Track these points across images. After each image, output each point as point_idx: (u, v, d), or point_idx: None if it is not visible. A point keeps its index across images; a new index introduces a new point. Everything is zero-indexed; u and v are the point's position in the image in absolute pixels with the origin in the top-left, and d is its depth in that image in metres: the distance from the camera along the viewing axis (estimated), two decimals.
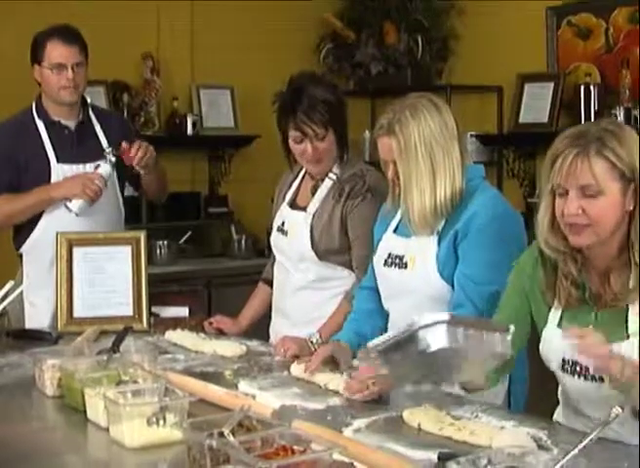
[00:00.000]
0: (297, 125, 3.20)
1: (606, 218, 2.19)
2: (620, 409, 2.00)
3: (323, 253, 3.31)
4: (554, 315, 2.36)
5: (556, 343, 2.31)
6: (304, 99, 3.18)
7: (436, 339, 2.07)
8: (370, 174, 3.33)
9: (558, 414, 2.54)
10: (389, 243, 2.99)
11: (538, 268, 2.39)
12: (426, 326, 2.09)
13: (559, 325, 2.34)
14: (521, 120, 5.68)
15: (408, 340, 2.11)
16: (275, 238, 3.48)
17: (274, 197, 3.59)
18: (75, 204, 3.64)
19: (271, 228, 3.52)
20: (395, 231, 2.99)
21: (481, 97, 5.98)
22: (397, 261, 2.93)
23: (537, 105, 5.59)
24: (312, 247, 3.30)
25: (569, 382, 2.37)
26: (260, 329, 3.61)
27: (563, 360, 2.33)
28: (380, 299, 3.06)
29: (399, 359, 2.14)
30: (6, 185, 3.72)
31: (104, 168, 3.65)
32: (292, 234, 3.37)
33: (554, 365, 2.37)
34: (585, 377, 2.29)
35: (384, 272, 2.98)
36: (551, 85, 5.56)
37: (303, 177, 3.47)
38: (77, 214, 3.65)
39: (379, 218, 3.10)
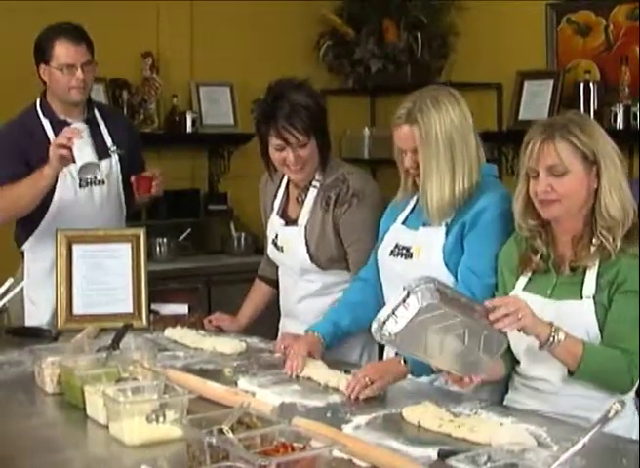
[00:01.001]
0: (278, 132, 3.14)
1: (572, 194, 2.50)
2: (619, 406, 2.01)
3: (323, 264, 3.30)
4: (521, 281, 2.64)
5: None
6: (286, 106, 3.12)
7: (424, 297, 2.28)
8: (352, 177, 3.28)
9: (512, 394, 2.68)
10: (397, 234, 3.01)
11: (514, 247, 2.69)
12: (415, 287, 2.30)
13: (524, 289, 2.62)
14: (520, 117, 5.67)
15: (403, 309, 2.30)
16: (272, 252, 3.46)
17: (261, 204, 3.56)
18: (80, 159, 3.58)
19: (267, 238, 3.50)
20: (404, 223, 3.01)
21: (481, 94, 5.96)
22: (403, 252, 2.95)
23: (536, 102, 5.58)
24: (312, 260, 3.29)
25: (526, 342, 2.53)
26: (259, 326, 3.61)
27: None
28: (371, 291, 3.08)
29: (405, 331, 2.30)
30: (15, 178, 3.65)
31: (77, 124, 3.59)
32: (288, 250, 3.35)
33: None
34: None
35: (389, 262, 2.99)
36: (551, 82, 5.55)
37: (288, 186, 3.43)
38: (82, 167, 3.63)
39: (387, 211, 3.11)
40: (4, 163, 3.68)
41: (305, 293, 3.36)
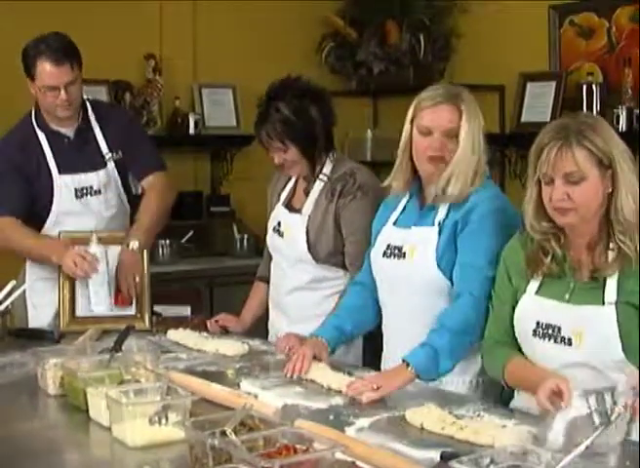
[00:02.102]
0: (260, 140, 3.34)
1: (588, 202, 2.44)
2: (622, 409, 2.01)
3: (319, 256, 3.34)
4: (533, 284, 2.57)
5: (533, 308, 2.54)
6: (267, 117, 3.29)
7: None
8: (360, 172, 3.39)
9: (517, 400, 2.64)
10: (388, 235, 3.02)
11: (519, 249, 2.62)
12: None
13: (537, 292, 2.55)
14: (523, 119, 5.66)
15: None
16: (271, 238, 3.51)
17: (268, 197, 3.62)
18: (96, 306, 3.52)
19: (267, 228, 3.55)
20: (395, 224, 3.02)
21: (483, 96, 5.92)
22: (396, 252, 2.96)
23: (539, 105, 5.58)
24: (309, 249, 3.33)
25: (540, 347, 2.53)
26: (261, 327, 3.62)
27: (537, 323, 2.52)
28: (369, 295, 3.09)
29: None
30: (20, 199, 3.67)
31: (94, 248, 3.50)
32: (288, 236, 3.40)
33: (527, 330, 2.55)
34: (556, 340, 2.48)
35: (383, 263, 3.01)
36: (553, 84, 5.54)
37: (298, 178, 3.50)
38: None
39: (379, 212, 3.13)
40: (3, 189, 3.68)
41: (297, 284, 3.39)
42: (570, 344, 2.45)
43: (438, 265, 2.85)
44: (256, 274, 3.73)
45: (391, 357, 2.96)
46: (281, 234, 3.43)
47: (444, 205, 2.88)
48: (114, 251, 3.60)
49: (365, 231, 3.23)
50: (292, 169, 3.37)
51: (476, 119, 2.87)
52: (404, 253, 2.93)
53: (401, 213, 3.02)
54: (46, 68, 3.52)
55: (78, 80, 3.60)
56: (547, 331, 2.50)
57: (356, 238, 3.29)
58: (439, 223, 2.88)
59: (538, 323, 2.52)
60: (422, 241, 2.90)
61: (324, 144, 3.35)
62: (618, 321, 2.39)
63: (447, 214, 2.87)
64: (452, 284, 2.85)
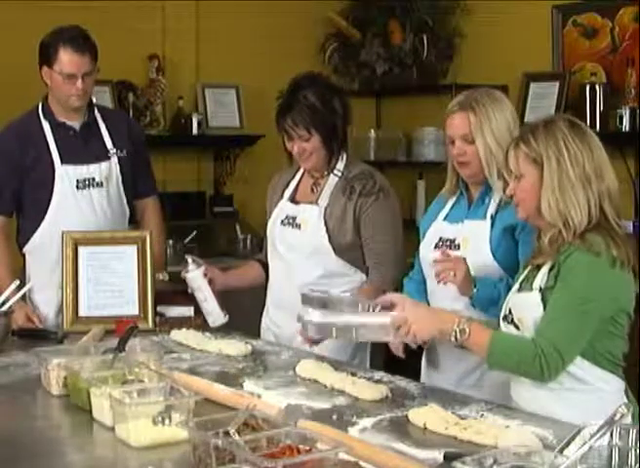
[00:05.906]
0: (283, 127, 3.37)
1: (527, 197, 2.57)
2: (624, 409, 2.01)
3: (340, 246, 3.36)
4: (522, 275, 2.68)
5: (509, 298, 2.67)
6: (293, 104, 3.34)
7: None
8: (377, 174, 3.45)
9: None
10: (439, 229, 3.10)
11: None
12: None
13: (520, 282, 2.66)
14: (526, 119, 5.64)
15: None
16: (282, 232, 3.49)
17: (268, 196, 3.65)
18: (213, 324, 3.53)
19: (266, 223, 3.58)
20: (445, 219, 3.11)
21: None
22: (448, 243, 3.04)
23: (542, 105, 5.58)
24: (330, 240, 3.35)
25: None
26: (250, 323, 3.61)
27: (509, 310, 2.64)
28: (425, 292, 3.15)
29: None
30: (10, 197, 3.73)
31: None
32: (306, 227, 3.41)
33: (501, 316, 2.68)
34: (514, 326, 2.60)
35: (434, 255, 3.04)
36: (557, 84, 5.55)
37: (302, 175, 3.54)
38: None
39: (428, 210, 3.24)
40: None
41: (308, 280, 3.37)
42: (518, 329, 2.58)
43: (493, 255, 2.94)
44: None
45: (441, 345, 3.02)
46: (297, 226, 3.44)
47: (494, 200, 2.98)
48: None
49: (393, 230, 3.33)
50: (309, 159, 3.39)
51: (492, 121, 2.93)
52: (457, 245, 3.02)
53: (450, 209, 3.11)
54: (68, 56, 3.59)
55: (94, 73, 3.68)
56: (511, 319, 2.62)
57: (385, 237, 3.35)
58: (491, 216, 2.98)
59: (509, 310, 2.65)
60: (475, 233, 2.99)
61: (342, 139, 3.42)
62: (544, 305, 2.51)
63: (497, 208, 2.97)
64: (506, 273, 2.93)
